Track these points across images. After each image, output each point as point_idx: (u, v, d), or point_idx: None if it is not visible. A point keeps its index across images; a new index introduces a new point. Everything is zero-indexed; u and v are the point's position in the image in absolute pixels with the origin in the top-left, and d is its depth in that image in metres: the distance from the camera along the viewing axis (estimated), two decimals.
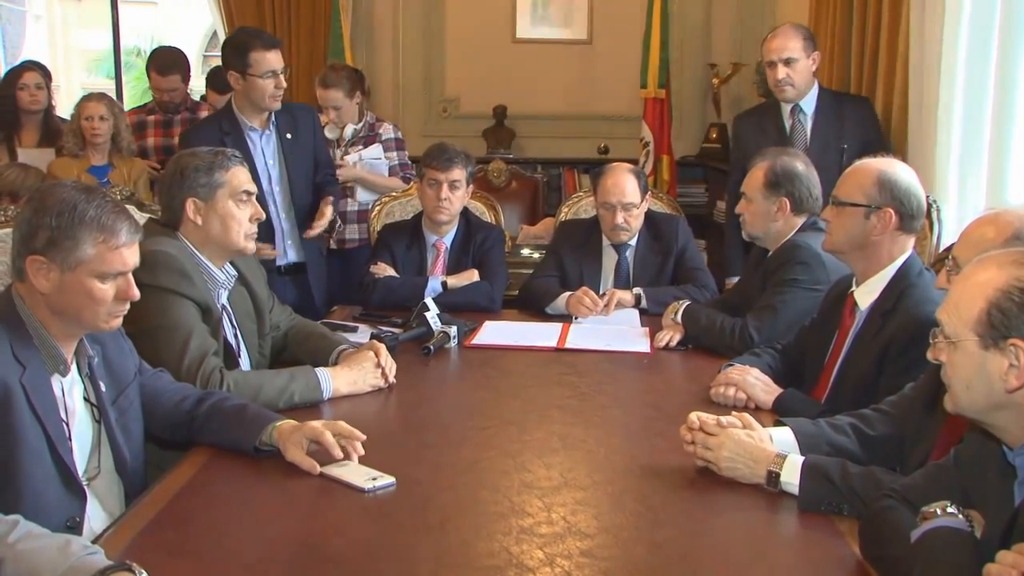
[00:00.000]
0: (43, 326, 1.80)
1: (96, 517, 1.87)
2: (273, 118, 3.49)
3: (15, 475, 1.72)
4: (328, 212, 3.50)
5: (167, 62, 4.89)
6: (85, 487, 1.84)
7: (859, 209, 2.32)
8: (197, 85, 6.75)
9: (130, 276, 1.86)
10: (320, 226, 3.48)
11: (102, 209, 1.79)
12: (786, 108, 3.74)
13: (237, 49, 3.39)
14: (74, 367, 1.87)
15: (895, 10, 3.75)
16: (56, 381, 1.82)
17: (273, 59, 3.37)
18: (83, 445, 1.87)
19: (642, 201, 3.44)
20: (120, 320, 1.89)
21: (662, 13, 5.78)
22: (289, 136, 3.50)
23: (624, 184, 3.40)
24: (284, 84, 3.41)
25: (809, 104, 3.72)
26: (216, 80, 5.09)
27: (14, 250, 1.80)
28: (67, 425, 1.82)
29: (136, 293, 1.87)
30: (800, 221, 2.91)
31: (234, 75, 3.40)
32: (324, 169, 3.70)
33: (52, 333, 1.81)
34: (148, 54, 5.62)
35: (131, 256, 1.85)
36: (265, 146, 3.49)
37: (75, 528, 1.79)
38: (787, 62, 3.62)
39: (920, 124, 3.52)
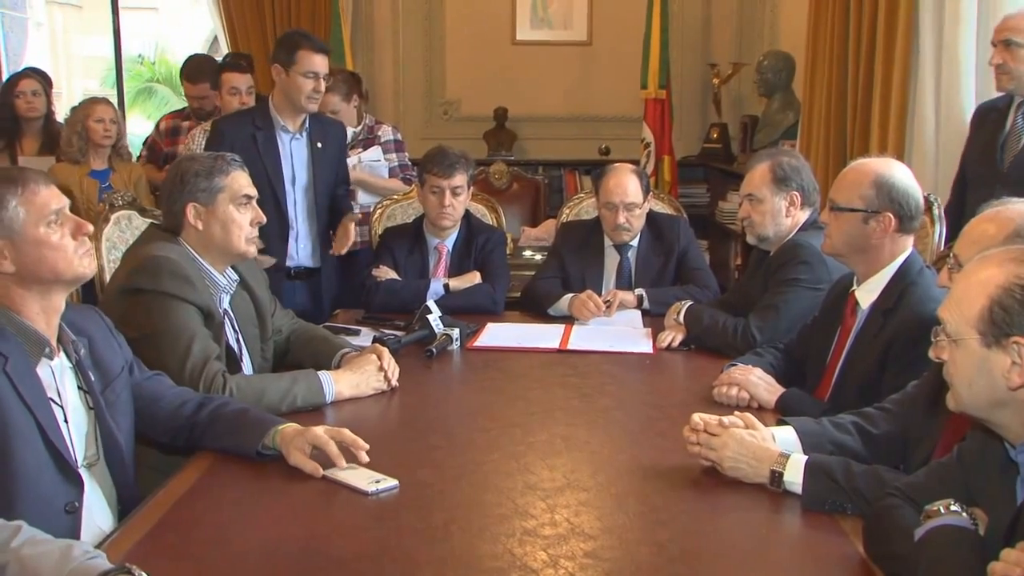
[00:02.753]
0: (16, 312, 1.79)
1: (96, 503, 1.87)
2: (307, 125, 3.53)
3: (9, 463, 1.71)
4: (351, 231, 3.57)
5: (196, 69, 4.94)
6: (81, 472, 1.83)
7: (857, 214, 2.31)
8: None
9: (69, 213, 1.86)
10: (345, 245, 3.55)
11: (2, 172, 1.87)
12: (1017, 102, 3.17)
13: (287, 45, 3.51)
14: (63, 354, 1.87)
15: (892, 11, 3.76)
16: (44, 367, 1.81)
17: (318, 62, 3.46)
18: (81, 432, 1.87)
19: (644, 201, 3.44)
20: (93, 260, 1.89)
21: (662, 13, 5.79)
22: (319, 145, 3.56)
23: (627, 184, 3.40)
24: (322, 89, 3.48)
25: None
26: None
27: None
28: (63, 410, 1.82)
29: (90, 227, 1.88)
30: (804, 216, 2.92)
31: (277, 68, 3.49)
32: (342, 184, 3.78)
33: (27, 316, 1.80)
34: (150, 61, 5.66)
35: (56, 197, 1.84)
36: (295, 149, 3.54)
37: (74, 513, 1.79)
38: (1007, 44, 3.07)
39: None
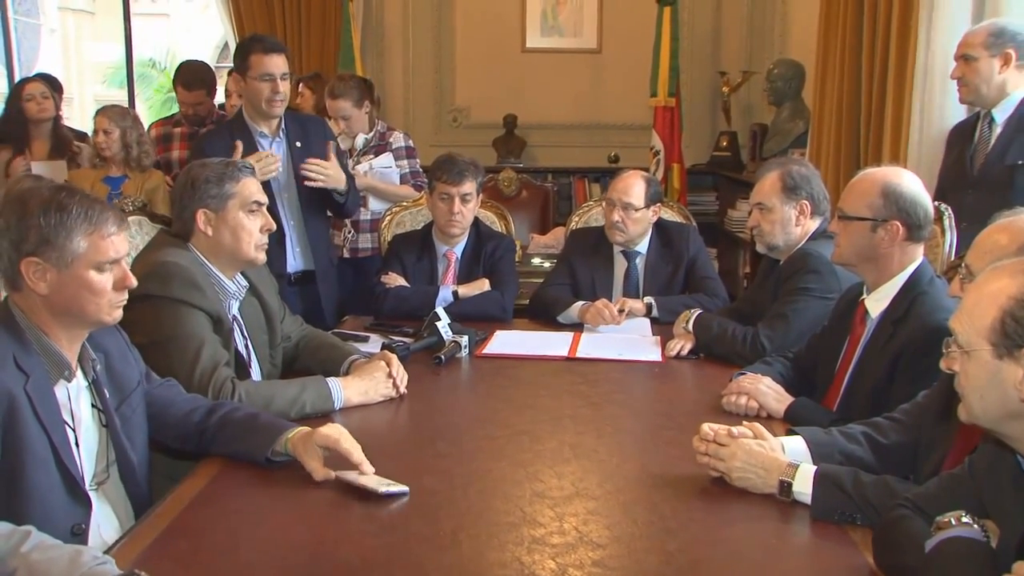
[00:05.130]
0: (44, 333, 1.80)
1: (106, 523, 1.87)
2: (284, 126, 3.52)
3: (21, 483, 1.72)
4: (331, 157, 3.49)
5: (192, 77, 4.93)
6: (90, 494, 1.83)
7: (865, 223, 2.31)
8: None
9: (124, 264, 1.87)
10: (313, 166, 3.44)
11: (85, 202, 1.80)
12: (983, 114, 3.28)
13: (241, 51, 3.49)
14: (80, 373, 1.87)
15: (903, 20, 3.75)
16: (61, 388, 1.82)
17: (270, 63, 3.39)
18: (91, 451, 1.87)
19: (646, 207, 3.42)
20: (121, 312, 1.89)
21: (672, 22, 5.80)
22: (299, 144, 3.53)
23: (631, 185, 3.41)
24: (280, 89, 3.41)
25: (1003, 113, 3.21)
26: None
27: (3, 260, 1.78)
28: (75, 432, 1.82)
29: (134, 281, 1.88)
30: (814, 225, 2.91)
31: (236, 77, 3.51)
32: None
33: (54, 338, 1.81)
34: (163, 66, 5.67)
35: (122, 245, 1.85)
36: (275, 153, 3.50)
37: (80, 535, 1.79)
38: (965, 59, 3.21)
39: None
